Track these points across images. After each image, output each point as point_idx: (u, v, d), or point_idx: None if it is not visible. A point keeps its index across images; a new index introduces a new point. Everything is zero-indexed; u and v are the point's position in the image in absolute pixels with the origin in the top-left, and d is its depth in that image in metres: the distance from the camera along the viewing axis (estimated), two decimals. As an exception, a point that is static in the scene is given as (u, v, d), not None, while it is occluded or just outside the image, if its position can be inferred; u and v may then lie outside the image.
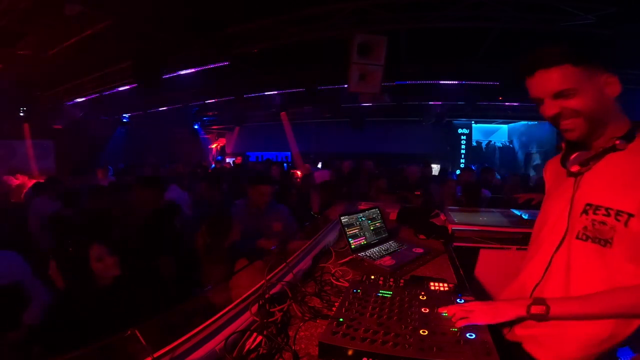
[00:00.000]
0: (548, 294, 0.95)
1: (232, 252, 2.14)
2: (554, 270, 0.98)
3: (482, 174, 5.15)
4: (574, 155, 0.98)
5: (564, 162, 1.00)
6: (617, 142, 0.89)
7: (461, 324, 0.89)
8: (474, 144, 10.44)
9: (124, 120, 9.79)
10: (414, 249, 1.72)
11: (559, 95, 0.89)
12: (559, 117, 0.92)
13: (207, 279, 2.06)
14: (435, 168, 8.17)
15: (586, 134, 0.93)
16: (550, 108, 0.91)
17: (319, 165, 8.80)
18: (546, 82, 0.89)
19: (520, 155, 10.17)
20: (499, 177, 6.23)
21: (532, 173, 8.39)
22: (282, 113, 9.12)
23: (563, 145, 1.03)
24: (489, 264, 1.97)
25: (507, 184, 4.83)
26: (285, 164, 9.86)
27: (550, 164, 1.20)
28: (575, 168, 0.98)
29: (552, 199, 1.07)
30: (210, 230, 2.16)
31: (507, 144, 10.57)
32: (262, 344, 0.91)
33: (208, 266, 2.11)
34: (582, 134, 0.92)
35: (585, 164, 0.95)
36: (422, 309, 0.98)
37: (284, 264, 1.30)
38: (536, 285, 1.01)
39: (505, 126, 10.62)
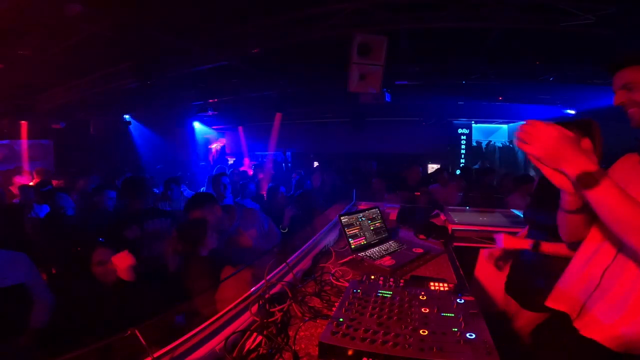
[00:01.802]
0: (621, 275, 0.99)
1: (213, 260, 1.92)
2: (624, 255, 0.99)
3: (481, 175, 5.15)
4: None
5: None
6: None
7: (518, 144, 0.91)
8: (474, 144, 10.44)
9: (125, 120, 9.77)
10: (414, 249, 1.72)
11: (623, 87, 1.02)
12: (624, 106, 1.03)
13: (188, 290, 1.79)
14: (435, 168, 8.19)
15: None
16: (616, 97, 1.05)
17: (315, 164, 8.83)
18: (619, 77, 1.04)
19: (521, 155, 10.17)
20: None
21: (532, 173, 8.38)
22: (278, 114, 9.11)
23: None
24: (489, 264, 1.97)
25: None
26: (284, 164, 9.86)
27: (621, 162, 1.17)
28: None
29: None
30: (181, 237, 1.93)
31: (507, 144, 10.56)
32: (262, 344, 0.91)
33: (186, 277, 1.84)
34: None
35: None
36: (422, 309, 0.98)
37: (284, 264, 1.30)
38: (607, 268, 1.03)
39: (505, 126, 10.61)
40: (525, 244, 1.61)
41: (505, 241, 1.69)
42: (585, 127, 1.53)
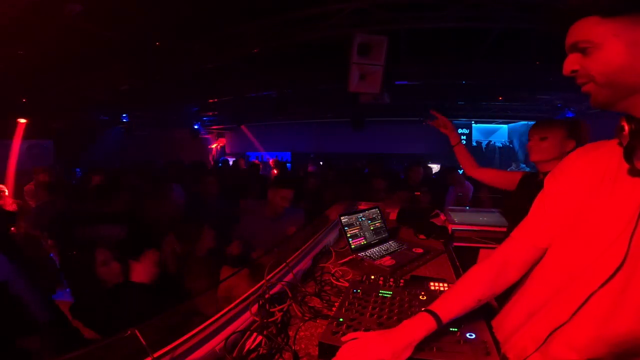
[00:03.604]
0: (574, 341, 0.71)
1: (212, 260, 1.97)
2: (590, 310, 0.69)
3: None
4: None
5: (629, 154, 0.66)
6: None
7: None
8: (474, 144, 10.45)
9: (124, 120, 9.77)
10: (414, 249, 1.72)
11: (574, 48, 0.72)
12: (576, 78, 0.74)
13: (187, 290, 1.89)
14: (435, 168, 8.20)
15: (607, 103, 0.71)
16: (567, 63, 0.74)
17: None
18: (569, 34, 0.73)
19: (521, 155, 10.18)
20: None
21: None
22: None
23: (625, 125, 0.69)
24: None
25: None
26: (288, 164, 9.87)
27: (580, 154, 0.85)
28: None
29: (595, 207, 0.74)
30: (179, 237, 1.99)
31: (507, 144, 10.56)
32: (262, 344, 0.91)
33: (187, 276, 1.92)
34: (598, 102, 0.72)
35: None
36: (423, 309, 0.98)
37: (284, 264, 1.30)
38: (557, 329, 0.73)
39: (505, 126, 10.63)
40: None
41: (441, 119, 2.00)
42: (573, 128, 1.52)
